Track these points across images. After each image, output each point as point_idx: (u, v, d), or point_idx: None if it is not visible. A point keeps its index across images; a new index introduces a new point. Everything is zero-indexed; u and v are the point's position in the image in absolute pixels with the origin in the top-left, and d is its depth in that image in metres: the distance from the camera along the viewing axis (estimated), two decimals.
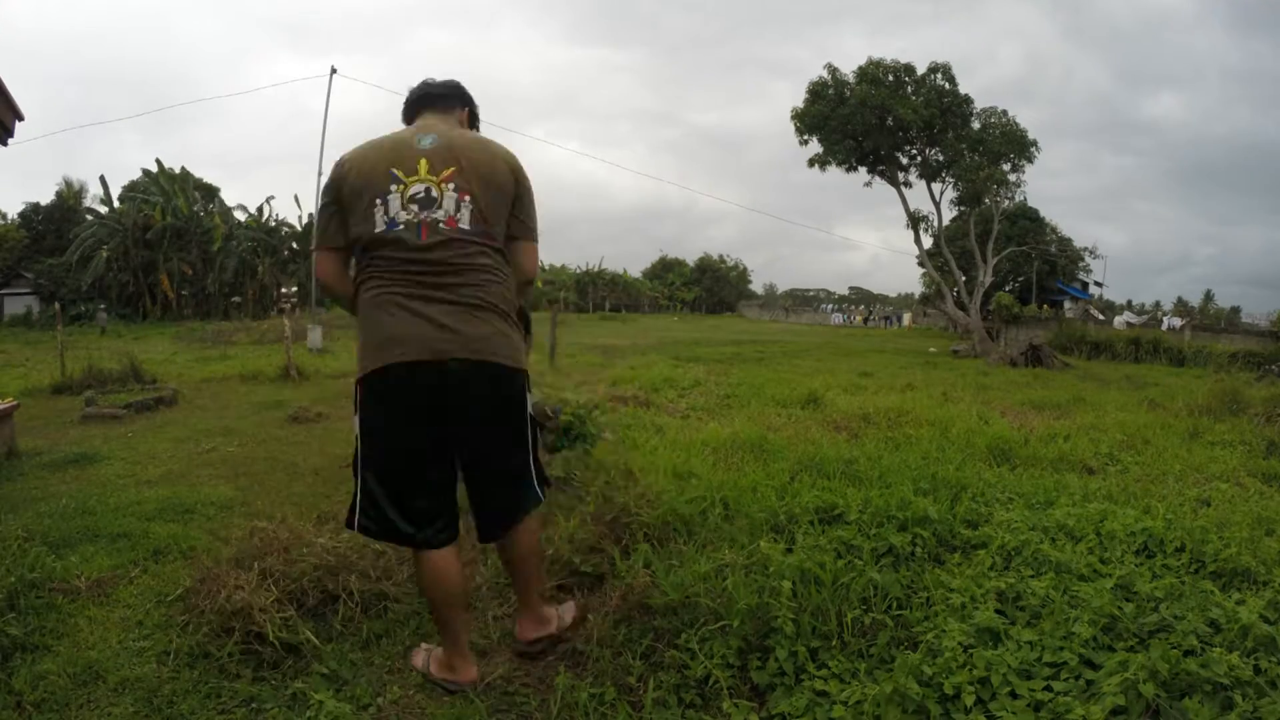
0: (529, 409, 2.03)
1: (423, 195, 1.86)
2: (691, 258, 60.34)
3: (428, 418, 1.89)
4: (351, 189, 1.90)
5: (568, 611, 2.28)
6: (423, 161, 1.89)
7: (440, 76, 2.17)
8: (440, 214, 1.86)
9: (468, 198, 1.88)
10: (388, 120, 2.17)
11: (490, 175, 1.93)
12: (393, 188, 1.87)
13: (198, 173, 31.67)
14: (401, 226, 1.85)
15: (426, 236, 1.85)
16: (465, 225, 1.87)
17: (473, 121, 2.19)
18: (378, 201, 1.87)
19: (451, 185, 1.87)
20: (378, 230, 1.86)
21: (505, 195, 1.95)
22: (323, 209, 2.03)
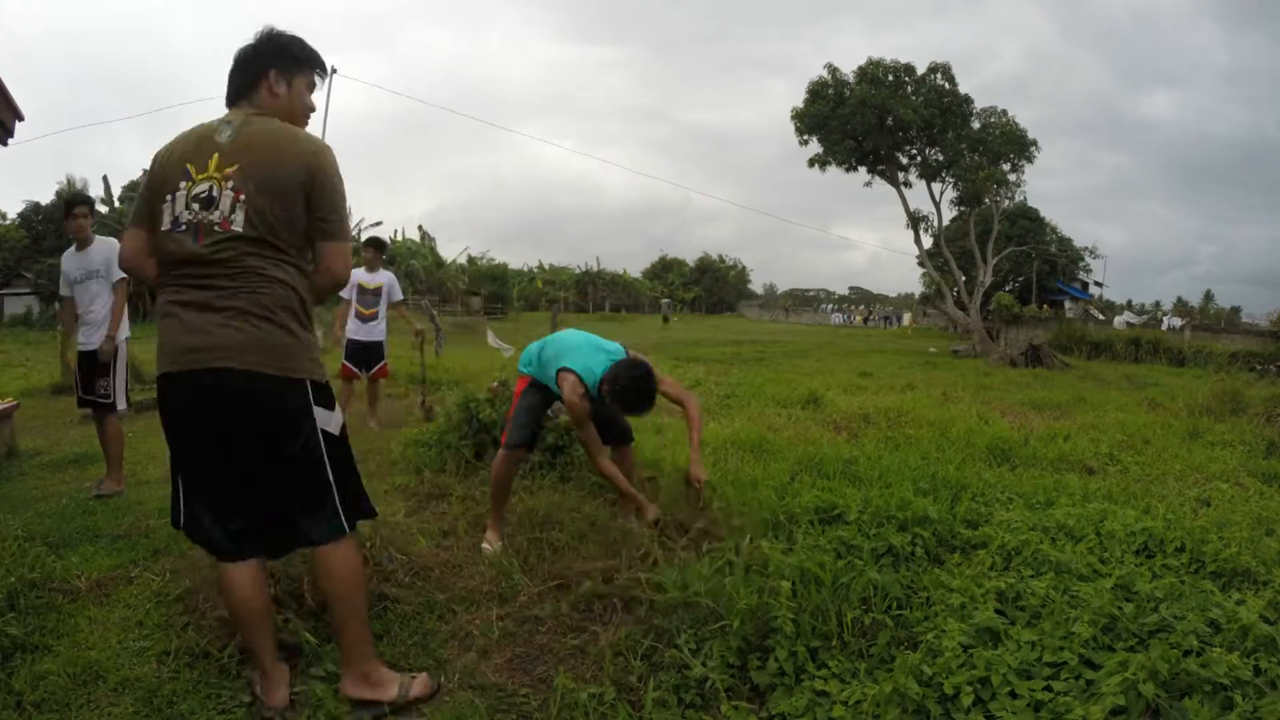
0: (317, 423, 1.82)
1: (205, 195, 1.73)
2: (687, 255, 60.47)
3: (199, 430, 1.79)
4: (155, 180, 1.81)
5: (417, 685, 1.97)
6: (215, 157, 1.75)
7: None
8: (216, 215, 1.72)
9: (242, 197, 1.71)
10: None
11: (271, 174, 1.74)
12: (181, 185, 1.76)
13: None
14: (183, 228, 1.74)
15: (202, 240, 1.72)
16: (238, 228, 1.71)
17: (297, 74, 1.91)
18: (168, 198, 1.77)
19: (230, 184, 1.72)
20: (163, 228, 1.77)
21: (290, 194, 1.75)
22: (139, 192, 1.91)
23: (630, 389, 2.78)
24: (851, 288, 74.58)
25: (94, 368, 3.99)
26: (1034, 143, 21.42)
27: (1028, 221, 32.35)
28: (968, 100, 21.03)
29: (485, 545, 2.97)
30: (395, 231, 38.19)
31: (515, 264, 45.89)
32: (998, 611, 2.15)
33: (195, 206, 1.73)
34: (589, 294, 48.65)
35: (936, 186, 22.22)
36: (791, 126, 21.78)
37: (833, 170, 21.99)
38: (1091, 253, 35.86)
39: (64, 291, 4.14)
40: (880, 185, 22.85)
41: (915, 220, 22.87)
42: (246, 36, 1.89)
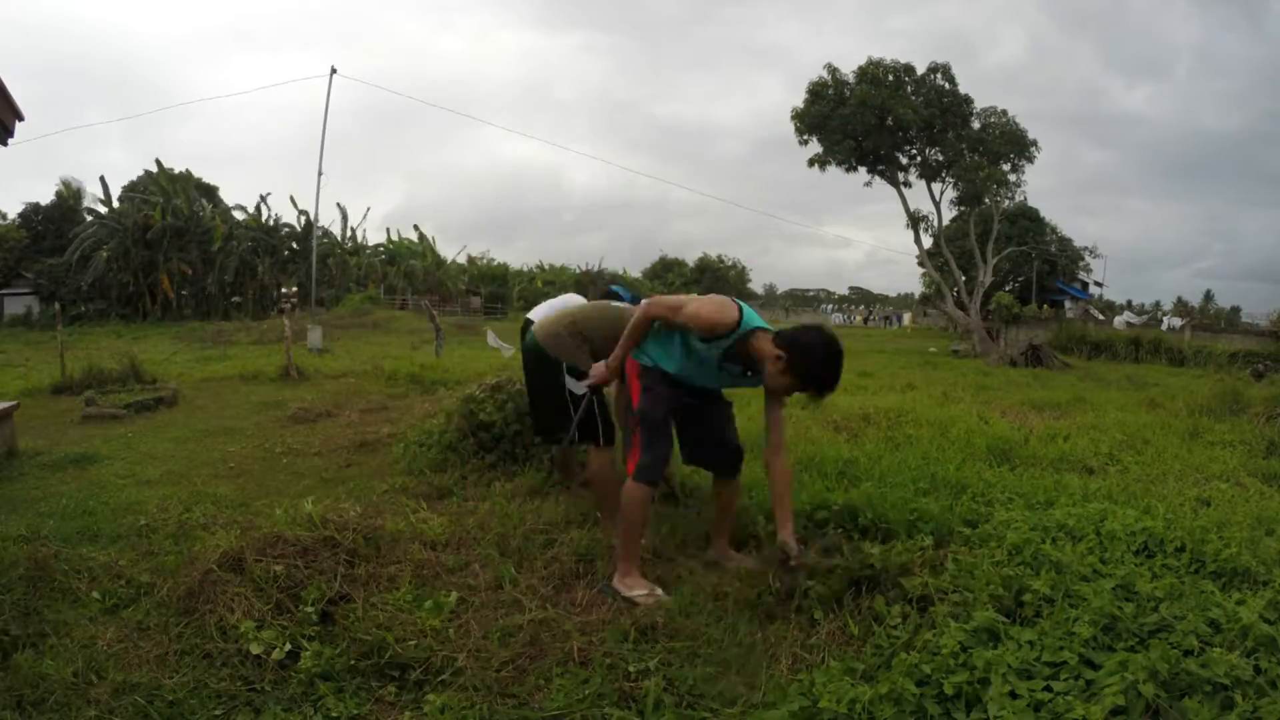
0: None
1: None
2: (669, 250, 60.65)
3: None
4: None
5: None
6: None
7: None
8: None
9: None
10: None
11: None
12: None
13: (187, 171, 31.57)
14: None
15: None
16: None
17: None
18: None
19: None
20: None
21: None
22: None
23: (828, 358, 2.47)
24: (851, 288, 74.62)
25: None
26: (1034, 143, 21.51)
27: (1028, 221, 32.39)
28: (968, 100, 21.10)
29: (638, 592, 2.50)
30: (395, 232, 38.16)
31: (515, 263, 45.85)
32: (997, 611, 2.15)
33: None
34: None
35: (936, 186, 22.29)
36: (776, 117, 21.86)
37: (819, 166, 22.01)
38: (1091, 252, 35.97)
39: None
40: (875, 184, 22.93)
41: (915, 220, 22.89)
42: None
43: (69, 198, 30.80)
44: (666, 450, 2.72)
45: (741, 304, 2.58)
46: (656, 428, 2.66)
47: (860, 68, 21.14)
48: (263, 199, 31.42)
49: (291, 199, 33.17)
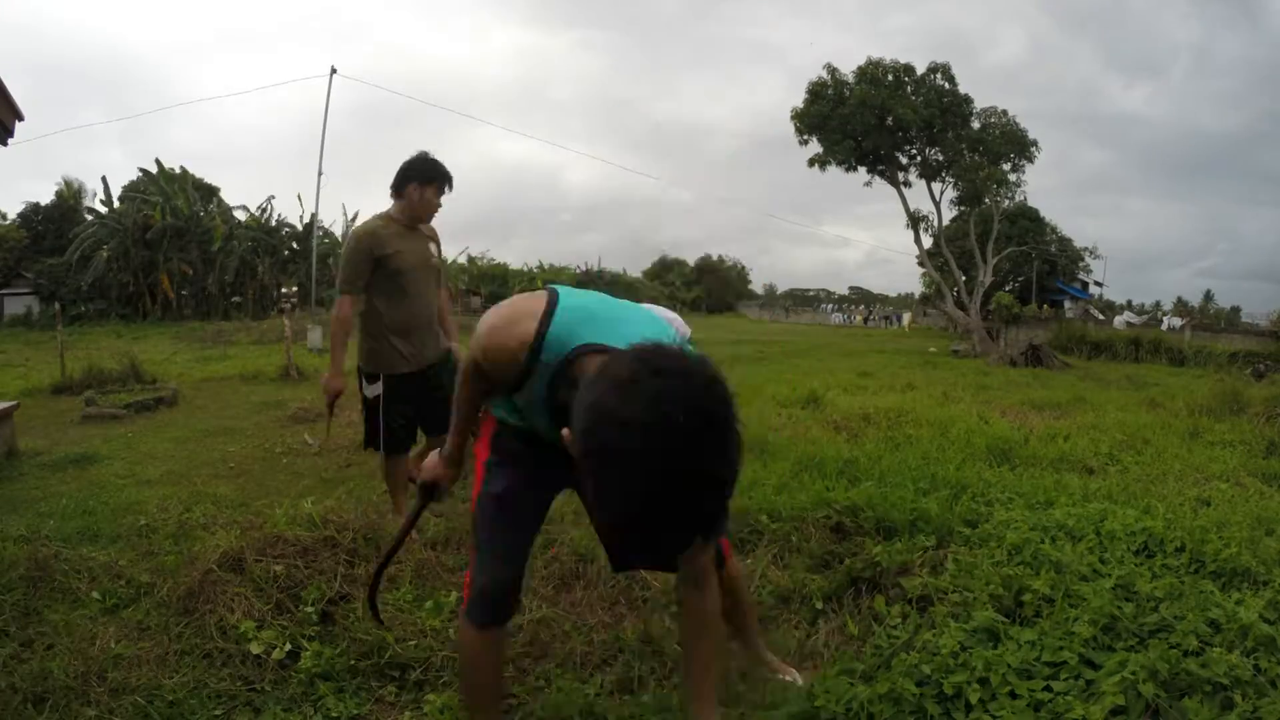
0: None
1: None
2: (671, 250, 60.48)
3: None
4: None
5: None
6: None
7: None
8: None
9: None
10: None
11: None
12: None
13: (183, 170, 31.55)
14: None
15: None
16: None
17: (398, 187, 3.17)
18: None
19: None
20: None
21: None
22: None
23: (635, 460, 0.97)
24: (851, 287, 74.50)
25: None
26: (1034, 143, 21.48)
27: (1028, 221, 32.37)
28: (968, 100, 21.07)
29: None
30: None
31: (515, 263, 45.85)
32: (997, 611, 2.15)
33: None
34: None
35: (936, 186, 22.25)
36: (776, 117, 21.86)
37: (819, 166, 22.00)
38: (1091, 253, 35.97)
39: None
40: (875, 184, 22.92)
41: (915, 220, 22.89)
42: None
43: (69, 197, 30.77)
44: (510, 567, 1.60)
45: (562, 297, 1.41)
46: (493, 524, 1.60)
47: (860, 67, 21.13)
48: (268, 201, 31.46)
49: (299, 198, 33.14)
